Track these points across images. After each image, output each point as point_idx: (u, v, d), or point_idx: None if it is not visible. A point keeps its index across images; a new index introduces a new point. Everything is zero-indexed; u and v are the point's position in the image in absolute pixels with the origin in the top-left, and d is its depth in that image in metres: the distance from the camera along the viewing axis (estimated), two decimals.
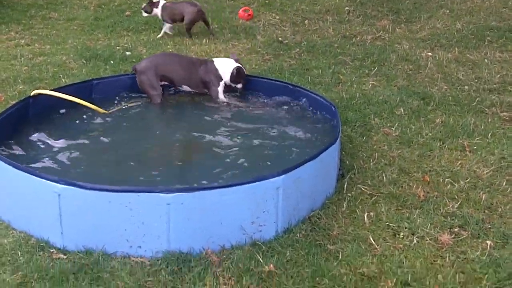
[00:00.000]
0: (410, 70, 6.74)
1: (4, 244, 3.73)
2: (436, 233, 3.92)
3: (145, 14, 8.09)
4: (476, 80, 6.46)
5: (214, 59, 5.57)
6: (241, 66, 5.48)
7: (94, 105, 4.99)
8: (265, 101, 5.48)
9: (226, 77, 5.45)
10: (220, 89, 5.44)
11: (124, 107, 5.16)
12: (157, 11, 7.97)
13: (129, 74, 5.66)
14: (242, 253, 3.65)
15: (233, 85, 5.48)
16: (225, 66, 5.45)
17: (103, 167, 4.35)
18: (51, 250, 3.66)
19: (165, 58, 5.58)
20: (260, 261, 3.58)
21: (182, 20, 7.88)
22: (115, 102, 5.32)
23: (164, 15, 7.93)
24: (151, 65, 5.37)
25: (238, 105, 5.41)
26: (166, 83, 5.48)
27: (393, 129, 5.31)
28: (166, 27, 8.01)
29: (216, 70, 5.42)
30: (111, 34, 8.16)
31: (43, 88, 5.85)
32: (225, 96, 5.48)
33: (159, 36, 7.92)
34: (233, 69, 5.42)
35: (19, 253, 3.64)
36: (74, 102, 4.90)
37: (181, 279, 3.45)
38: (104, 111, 4.90)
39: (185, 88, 5.51)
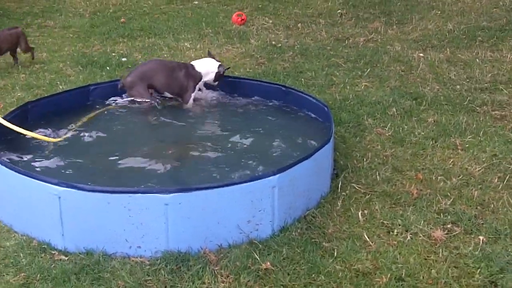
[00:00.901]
0: (402, 71, 6.83)
1: (7, 246, 3.80)
2: (429, 229, 3.99)
3: None
4: (467, 80, 6.55)
5: (194, 63, 5.56)
6: (221, 64, 5.58)
7: (44, 136, 4.76)
8: (237, 101, 5.58)
9: (210, 76, 5.51)
10: (193, 95, 5.48)
11: (73, 130, 4.96)
12: None
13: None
14: (240, 252, 3.72)
15: (213, 83, 5.58)
16: (207, 67, 5.50)
17: (101, 169, 4.41)
18: (53, 252, 3.73)
19: (149, 67, 5.50)
20: (257, 259, 3.65)
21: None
22: (67, 128, 5.01)
23: None
24: (136, 78, 5.34)
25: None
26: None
27: (386, 129, 5.39)
28: None
29: (198, 74, 5.46)
30: (106, 41, 8.22)
31: (41, 95, 5.95)
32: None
33: None
34: (219, 69, 5.51)
35: (22, 255, 3.70)
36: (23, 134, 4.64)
37: (180, 278, 3.52)
38: (54, 140, 4.72)
39: (167, 94, 5.50)
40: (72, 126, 4.96)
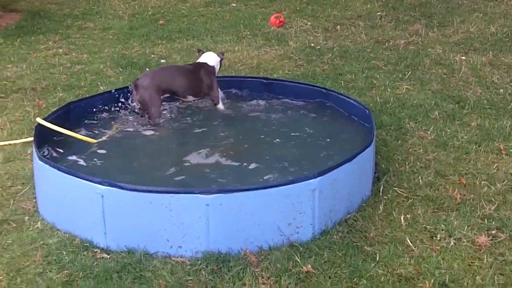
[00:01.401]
0: (444, 74, 6.73)
1: (50, 244, 3.84)
2: (473, 235, 3.92)
3: None
4: (511, 83, 6.42)
5: (202, 60, 5.49)
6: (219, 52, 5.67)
7: (85, 137, 4.76)
8: (276, 103, 5.55)
9: (217, 67, 5.56)
10: (220, 92, 5.46)
11: (112, 134, 4.93)
12: None
13: None
14: (280, 254, 3.70)
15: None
16: (213, 59, 5.51)
17: (144, 169, 4.44)
18: (95, 250, 3.76)
19: (166, 73, 5.34)
20: (298, 262, 3.63)
21: None
22: (107, 129, 5.02)
23: None
24: (154, 81, 5.07)
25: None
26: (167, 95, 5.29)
27: (428, 132, 5.32)
28: None
29: (213, 68, 5.47)
30: (145, 42, 8.29)
31: (82, 96, 6.02)
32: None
33: None
34: (220, 56, 5.59)
35: (64, 252, 3.74)
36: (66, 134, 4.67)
37: (220, 278, 3.52)
38: (95, 141, 4.73)
39: (189, 98, 5.36)
40: (112, 129, 4.98)
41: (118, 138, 4.91)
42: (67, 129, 4.66)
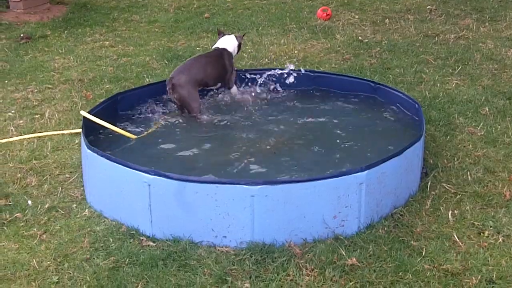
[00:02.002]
0: (495, 70, 6.57)
1: (97, 231, 3.91)
2: None
3: None
4: None
5: (221, 45, 5.51)
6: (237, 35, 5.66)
7: (126, 132, 4.75)
8: (325, 96, 5.52)
9: (235, 51, 5.58)
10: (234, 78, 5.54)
11: (154, 130, 4.92)
12: None
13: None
14: (325, 247, 3.68)
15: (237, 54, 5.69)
16: (231, 43, 5.53)
17: (190, 159, 4.47)
18: (141, 238, 3.80)
19: (198, 65, 5.25)
20: (343, 255, 3.60)
21: None
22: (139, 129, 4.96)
23: None
24: (190, 77, 5.07)
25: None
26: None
27: (478, 128, 5.20)
28: None
29: (231, 54, 5.51)
30: (191, 35, 8.33)
31: (129, 87, 6.08)
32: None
33: None
34: (239, 40, 5.59)
35: (111, 239, 3.80)
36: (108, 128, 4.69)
37: (265, 269, 3.51)
38: (135, 137, 4.72)
39: (218, 85, 5.47)
40: (152, 127, 4.97)
41: (163, 130, 4.94)
42: (111, 121, 4.72)
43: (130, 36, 8.38)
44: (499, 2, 9.19)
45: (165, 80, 5.58)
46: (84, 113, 4.61)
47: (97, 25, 8.92)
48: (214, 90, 5.54)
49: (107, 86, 6.41)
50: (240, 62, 6.99)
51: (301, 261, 3.57)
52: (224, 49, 5.46)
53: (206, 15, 9.32)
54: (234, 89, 5.52)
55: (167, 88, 5.09)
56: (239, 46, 5.62)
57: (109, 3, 10.23)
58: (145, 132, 4.84)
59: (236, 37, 5.60)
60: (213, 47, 5.60)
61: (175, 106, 5.20)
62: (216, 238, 3.70)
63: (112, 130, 4.67)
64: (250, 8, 9.60)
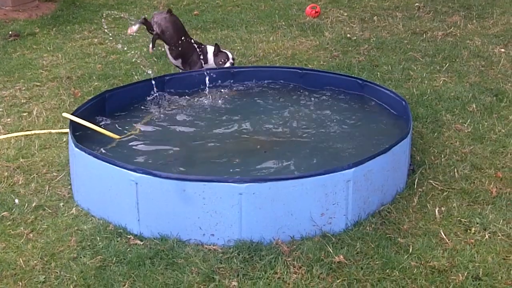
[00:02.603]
0: (483, 67, 6.60)
1: (84, 230, 3.89)
2: (509, 229, 3.86)
3: None
4: None
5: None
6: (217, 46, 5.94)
7: (108, 131, 4.70)
8: (312, 93, 5.53)
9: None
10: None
11: (139, 129, 4.89)
12: None
13: (200, 70, 5.78)
14: (312, 244, 3.69)
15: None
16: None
17: (177, 157, 4.46)
18: (128, 236, 3.80)
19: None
20: (330, 252, 3.61)
21: None
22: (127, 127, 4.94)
23: None
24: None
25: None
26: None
27: (465, 125, 5.23)
28: None
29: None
30: None
31: (117, 85, 6.07)
32: None
33: None
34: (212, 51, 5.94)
35: (98, 238, 3.79)
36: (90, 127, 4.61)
37: (252, 267, 3.52)
38: (118, 137, 4.68)
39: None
40: (134, 128, 4.90)
41: (151, 127, 4.94)
42: (99, 119, 4.70)
43: (119, 33, 8.33)
44: (486, 0, 9.23)
45: (153, 78, 5.63)
46: (66, 115, 4.58)
47: (85, 22, 8.87)
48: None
49: (96, 83, 6.39)
50: None
51: (289, 259, 3.58)
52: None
53: (195, 12, 9.30)
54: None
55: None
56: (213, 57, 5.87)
57: (98, 0, 10.18)
58: (129, 132, 4.80)
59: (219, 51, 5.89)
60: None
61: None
62: (203, 236, 3.70)
63: (95, 131, 4.62)
64: (240, 5, 9.60)
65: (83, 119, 4.53)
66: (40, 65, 7.03)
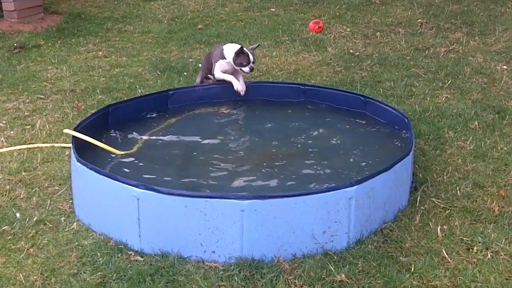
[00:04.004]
0: (485, 84, 6.61)
1: (85, 245, 3.89)
2: (511, 248, 3.84)
3: None
4: None
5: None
6: (242, 47, 5.57)
7: (111, 147, 4.67)
8: (314, 110, 5.53)
9: (231, 59, 5.60)
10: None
11: (141, 144, 4.89)
12: None
13: (204, 85, 5.80)
14: (314, 262, 3.67)
15: (239, 68, 5.58)
16: (231, 50, 5.59)
17: (180, 173, 4.45)
18: (129, 252, 3.79)
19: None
20: (332, 271, 3.60)
21: None
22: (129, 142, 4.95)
23: None
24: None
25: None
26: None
27: (467, 142, 5.22)
28: None
29: (222, 54, 5.65)
30: (184, 46, 8.34)
31: (121, 99, 6.08)
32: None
33: None
34: (236, 53, 5.56)
35: (99, 254, 3.78)
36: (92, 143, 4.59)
37: (253, 285, 3.50)
38: (120, 152, 4.65)
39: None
40: (138, 143, 4.91)
41: (153, 142, 4.94)
42: (102, 133, 4.70)
43: (124, 47, 8.38)
44: (489, 16, 9.27)
45: (157, 92, 5.65)
46: (67, 131, 4.58)
47: (90, 35, 8.93)
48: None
49: (99, 97, 6.40)
50: None
51: (290, 277, 3.56)
52: (220, 47, 5.71)
53: (199, 26, 9.35)
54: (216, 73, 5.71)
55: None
56: (234, 57, 5.55)
57: (103, 13, 10.25)
58: (132, 149, 4.77)
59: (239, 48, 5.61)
60: None
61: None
62: (205, 253, 3.69)
63: (97, 146, 4.59)
64: (243, 20, 9.64)
65: (85, 133, 4.53)
66: (44, 78, 7.06)
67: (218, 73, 5.65)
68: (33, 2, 9.70)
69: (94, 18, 9.92)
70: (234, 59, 5.53)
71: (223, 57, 5.60)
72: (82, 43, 8.54)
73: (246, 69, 5.52)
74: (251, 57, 5.50)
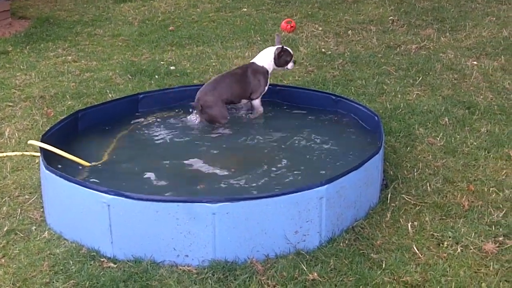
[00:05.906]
0: (455, 79, 6.69)
1: (57, 253, 3.86)
2: (481, 242, 3.90)
3: None
4: None
5: (254, 60, 5.53)
6: (282, 46, 5.47)
7: (79, 158, 4.56)
8: (285, 110, 5.51)
9: (272, 65, 5.47)
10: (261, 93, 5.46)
11: (110, 153, 4.81)
12: None
13: (174, 88, 5.78)
14: (286, 262, 3.69)
15: (284, 68, 5.56)
16: (263, 59, 5.46)
17: (150, 178, 4.43)
18: (102, 259, 3.77)
19: (223, 84, 5.30)
20: (304, 270, 3.62)
21: None
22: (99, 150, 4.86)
23: None
24: (217, 97, 5.18)
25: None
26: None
27: (438, 138, 5.28)
28: None
29: (261, 67, 5.43)
30: (155, 49, 8.29)
31: (91, 104, 6.04)
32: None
33: None
34: (276, 52, 5.45)
35: (71, 262, 3.76)
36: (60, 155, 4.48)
37: (227, 287, 3.52)
38: (89, 164, 4.56)
39: (243, 102, 5.46)
40: (105, 155, 4.79)
41: (124, 147, 4.91)
42: (71, 139, 4.67)
43: (94, 51, 8.29)
44: (459, 12, 9.37)
45: (127, 96, 5.60)
46: (32, 142, 4.53)
47: (60, 40, 8.81)
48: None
49: (69, 102, 6.34)
50: (204, 75, 7.00)
51: (263, 278, 3.58)
52: (253, 63, 5.47)
53: (171, 28, 9.30)
54: (257, 101, 5.46)
55: (195, 110, 5.27)
56: (277, 56, 5.46)
57: (72, 17, 10.14)
58: (102, 159, 4.70)
59: (275, 48, 5.49)
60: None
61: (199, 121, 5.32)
62: (178, 257, 3.69)
63: (64, 157, 4.48)
64: (215, 20, 9.63)
65: (55, 140, 4.49)
66: (13, 85, 6.96)
67: (259, 99, 5.46)
68: (0, 7, 9.48)
69: (63, 22, 9.80)
70: (277, 61, 5.45)
71: (266, 73, 5.43)
72: (51, 48, 8.41)
73: (291, 64, 5.53)
74: (291, 51, 5.50)
